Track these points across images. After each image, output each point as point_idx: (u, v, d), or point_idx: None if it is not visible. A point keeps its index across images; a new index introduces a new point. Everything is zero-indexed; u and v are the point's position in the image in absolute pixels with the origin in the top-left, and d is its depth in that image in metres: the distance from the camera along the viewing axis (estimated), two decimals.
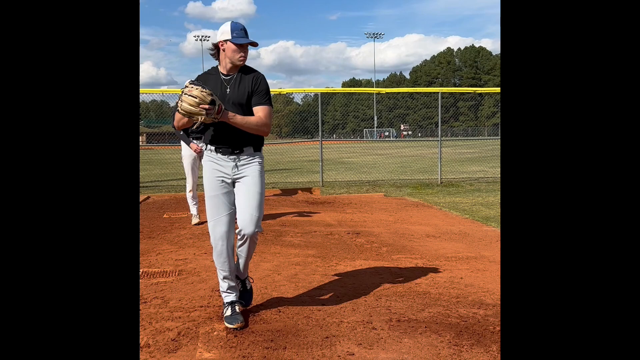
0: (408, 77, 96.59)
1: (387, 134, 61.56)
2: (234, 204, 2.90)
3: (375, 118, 70.78)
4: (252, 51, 2.94)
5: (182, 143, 6.18)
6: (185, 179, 6.42)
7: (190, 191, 6.29)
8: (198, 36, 75.95)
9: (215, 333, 2.77)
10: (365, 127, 71.60)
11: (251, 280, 3.22)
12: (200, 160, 6.22)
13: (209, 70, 2.99)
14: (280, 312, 3.08)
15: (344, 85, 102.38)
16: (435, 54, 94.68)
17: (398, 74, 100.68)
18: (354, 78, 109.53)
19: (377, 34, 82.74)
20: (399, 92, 32.44)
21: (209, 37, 79.33)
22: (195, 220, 6.24)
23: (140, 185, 9.72)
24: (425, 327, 2.83)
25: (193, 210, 6.30)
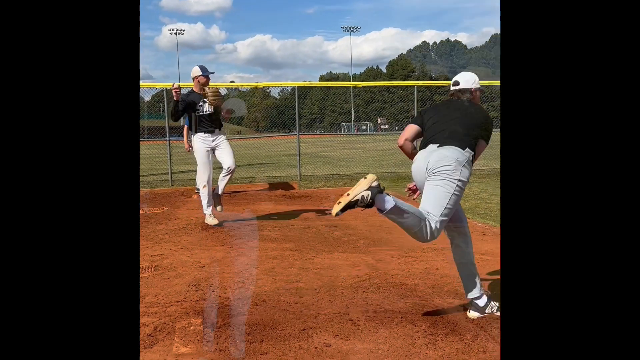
0: (385, 70, 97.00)
1: (364, 127, 61.70)
2: None
3: (353, 112, 70.82)
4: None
5: (193, 137, 5.66)
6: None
7: (204, 186, 5.55)
8: (173, 29, 74.69)
9: (192, 328, 2.76)
10: (342, 121, 71.66)
11: None
12: (214, 152, 5.65)
13: None
14: (257, 305, 3.08)
15: (321, 79, 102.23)
16: (412, 48, 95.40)
17: (375, 67, 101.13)
18: (331, 72, 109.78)
19: (353, 27, 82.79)
20: (375, 86, 32.52)
21: (184, 30, 78.25)
22: (211, 221, 5.56)
23: None
24: (401, 317, 2.86)
25: (207, 210, 5.58)
